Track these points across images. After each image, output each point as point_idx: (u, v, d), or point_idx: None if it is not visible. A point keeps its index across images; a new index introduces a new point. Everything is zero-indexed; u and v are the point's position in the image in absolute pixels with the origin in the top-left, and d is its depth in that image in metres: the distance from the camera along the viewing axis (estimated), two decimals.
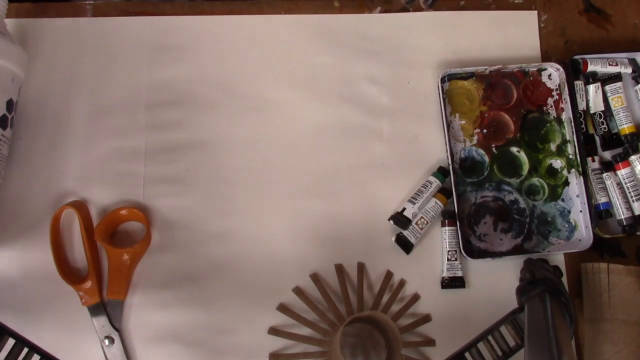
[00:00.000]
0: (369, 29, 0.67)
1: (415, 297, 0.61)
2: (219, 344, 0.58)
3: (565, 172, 0.65)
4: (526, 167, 0.65)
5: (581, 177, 0.64)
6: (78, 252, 0.60)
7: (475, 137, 0.65)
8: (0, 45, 0.56)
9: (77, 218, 0.58)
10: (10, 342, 0.47)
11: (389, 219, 0.62)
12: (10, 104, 0.58)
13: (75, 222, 0.60)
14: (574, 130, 0.65)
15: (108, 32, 0.65)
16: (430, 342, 0.60)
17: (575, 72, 0.66)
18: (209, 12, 0.67)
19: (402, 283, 0.61)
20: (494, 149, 0.65)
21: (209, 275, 0.60)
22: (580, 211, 0.64)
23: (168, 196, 0.61)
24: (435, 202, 0.62)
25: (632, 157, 0.64)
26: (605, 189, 0.64)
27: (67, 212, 0.59)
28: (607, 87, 0.66)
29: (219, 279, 0.60)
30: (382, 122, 0.65)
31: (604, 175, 0.65)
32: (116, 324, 0.58)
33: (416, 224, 0.61)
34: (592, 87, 0.66)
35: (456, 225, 0.61)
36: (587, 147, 0.65)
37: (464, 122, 0.66)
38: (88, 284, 0.57)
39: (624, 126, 0.66)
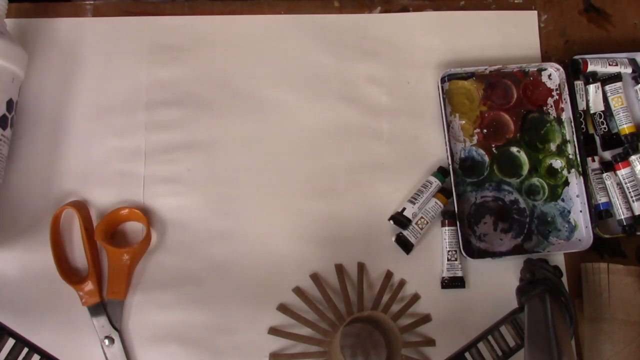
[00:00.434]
0: (369, 29, 0.67)
1: (415, 297, 0.61)
2: (219, 344, 0.58)
3: (565, 172, 0.65)
4: (526, 167, 0.65)
5: (581, 177, 0.64)
6: (78, 252, 0.60)
7: (475, 137, 0.65)
8: (0, 45, 0.56)
9: (77, 218, 0.58)
10: (10, 342, 0.47)
11: (389, 219, 0.62)
12: (10, 104, 0.58)
13: (75, 222, 0.60)
14: (574, 130, 0.65)
15: (108, 32, 0.65)
16: (430, 342, 0.60)
17: (575, 72, 0.66)
18: (209, 12, 0.67)
19: (402, 283, 0.61)
20: (494, 149, 0.65)
21: (209, 275, 0.60)
22: (580, 211, 0.64)
23: (168, 196, 0.61)
24: (435, 202, 0.62)
25: (632, 157, 0.64)
26: (605, 189, 0.64)
27: (67, 212, 0.59)
28: (607, 87, 0.66)
29: (219, 279, 0.60)
30: (382, 122, 0.65)
31: (604, 175, 0.65)
32: (116, 324, 0.58)
33: (416, 224, 0.61)
34: (592, 87, 0.66)
35: (456, 225, 0.61)
36: (587, 147, 0.65)
37: (464, 122, 0.65)
38: (88, 284, 0.57)
39: (624, 126, 0.66)
